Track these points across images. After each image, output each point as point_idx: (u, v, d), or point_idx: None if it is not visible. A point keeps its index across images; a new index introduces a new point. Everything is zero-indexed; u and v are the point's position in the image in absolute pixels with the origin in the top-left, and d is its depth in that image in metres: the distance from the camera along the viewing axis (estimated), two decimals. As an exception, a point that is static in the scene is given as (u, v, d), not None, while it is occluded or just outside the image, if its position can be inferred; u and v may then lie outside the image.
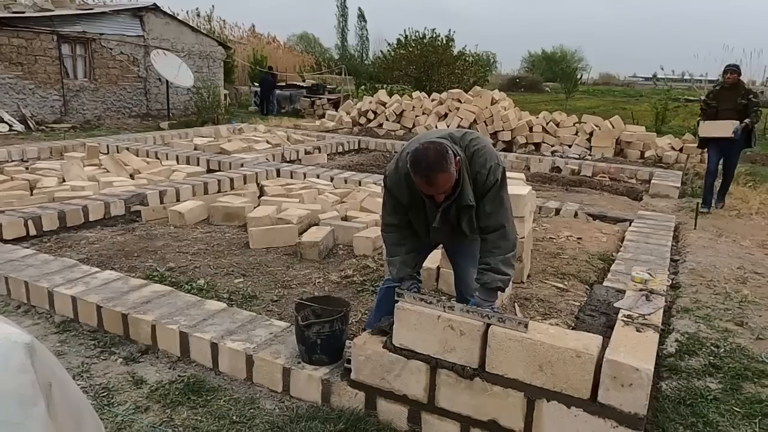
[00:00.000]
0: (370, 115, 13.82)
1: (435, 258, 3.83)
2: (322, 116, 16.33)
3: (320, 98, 19.24)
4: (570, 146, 11.47)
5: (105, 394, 2.67)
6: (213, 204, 5.82)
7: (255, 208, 5.80)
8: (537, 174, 9.30)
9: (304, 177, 7.37)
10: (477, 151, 2.43)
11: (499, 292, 2.57)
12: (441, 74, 22.48)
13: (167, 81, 14.96)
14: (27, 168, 7.41)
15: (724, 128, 6.50)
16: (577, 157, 10.69)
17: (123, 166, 7.50)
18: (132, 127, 13.80)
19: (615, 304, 2.67)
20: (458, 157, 2.34)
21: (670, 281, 4.24)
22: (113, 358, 2.99)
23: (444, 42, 23.41)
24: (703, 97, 7.33)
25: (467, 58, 24.34)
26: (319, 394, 2.63)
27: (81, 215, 5.31)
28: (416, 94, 14.86)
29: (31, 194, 6.12)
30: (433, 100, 13.66)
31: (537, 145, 11.77)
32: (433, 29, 23.51)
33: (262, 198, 6.32)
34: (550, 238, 5.23)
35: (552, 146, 11.64)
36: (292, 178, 7.44)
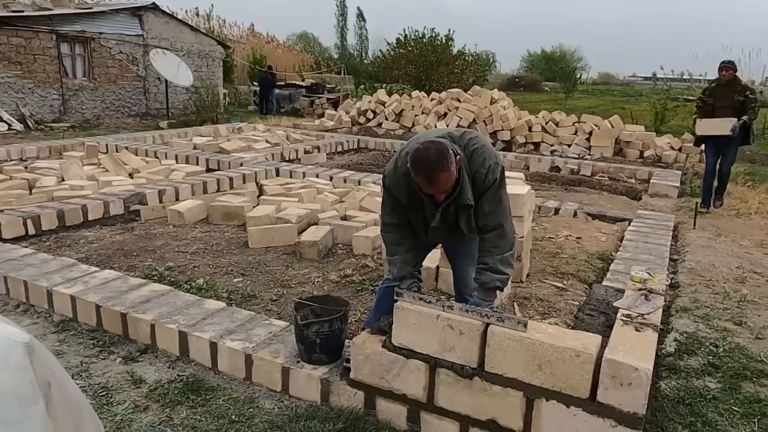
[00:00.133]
0: (370, 115, 13.81)
1: (434, 257, 3.83)
2: (322, 115, 16.33)
3: (319, 97, 19.24)
4: (569, 146, 11.47)
5: (104, 393, 2.67)
6: (212, 203, 5.82)
7: (254, 207, 5.80)
8: (536, 173, 9.30)
9: (304, 176, 7.37)
10: (476, 150, 2.43)
11: (498, 292, 2.57)
12: (440, 74, 22.49)
13: (166, 80, 14.95)
14: (26, 167, 7.40)
15: (721, 126, 6.40)
16: (577, 156, 10.69)
17: (122, 166, 7.49)
18: (131, 126, 13.78)
19: (614, 304, 2.67)
20: (458, 156, 2.34)
21: (669, 281, 4.25)
22: (112, 357, 2.99)
23: (443, 41, 23.42)
24: (699, 95, 7.21)
25: (466, 58, 24.36)
26: (319, 394, 2.63)
27: (80, 214, 5.31)
28: (415, 93, 14.86)
29: (30, 193, 6.12)
30: (432, 100, 13.66)
31: (536, 145, 11.77)
32: (433, 29, 23.58)
33: (262, 197, 6.32)
34: (550, 237, 5.24)
35: (551, 146, 11.64)
36: (291, 177, 7.44)
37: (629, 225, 5.64)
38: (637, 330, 2.34)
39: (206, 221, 5.70)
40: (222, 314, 3.15)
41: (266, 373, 2.74)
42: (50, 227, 5.06)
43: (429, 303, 2.38)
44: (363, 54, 39.20)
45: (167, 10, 16.59)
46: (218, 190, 6.56)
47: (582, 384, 2.12)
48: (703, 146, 7.03)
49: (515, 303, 3.72)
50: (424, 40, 23.42)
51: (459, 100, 12.85)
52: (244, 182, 6.90)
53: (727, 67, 6.41)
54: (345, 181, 7.22)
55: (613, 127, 11.51)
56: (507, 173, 2.61)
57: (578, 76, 36.08)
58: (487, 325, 2.26)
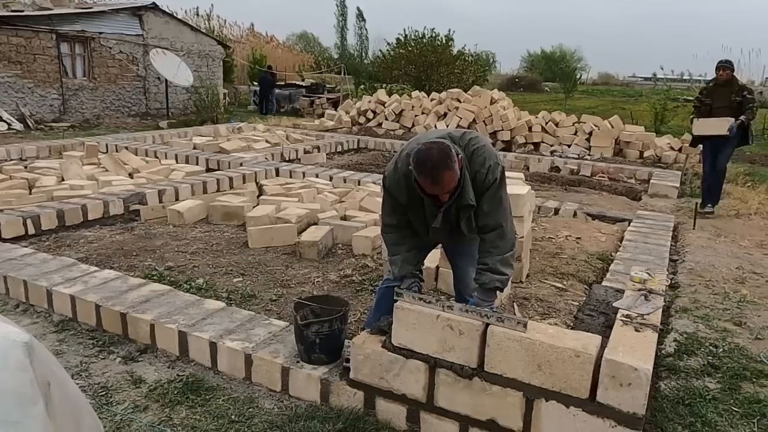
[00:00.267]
0: (370, 115, 13.81)
1: (434, 257, 3.83)
2: (322, 115, 16.33)
3: (319, 97, 19.25)
4: (569, 146, 11.47)
5: (104, 393, 2.67)
6: (212, 203, 5.82)
7: (254, 207, 5.80)
8: (536, 174, 9.30)
9: (303, 176, 7.37)
10: (476, 151, 2.43)
11: (497, 292, 2.57)
12: (440, 74, 22.50)
13: (166, 80, 14.96)
14: (26, 167, 7.40)
15: (718, 126, 6.31)
16: (576, 156, 10.70)
17: (122, 165, 7.49)
18: (131, 126, 13.79)
19: (614, 304, 2.67)
20: (460, 156, 2.34)
21: (669, 281, 4.25)
22: (112, 357, 2.98)
23: (443, 41, 23.43)
24: (696, 95, 7.12)
25: (466, 58, 24.36)
26: (318, 394, 2.63)
27: (80, 214, 5.31)
28: (415, 93, 14.86)
29: (30, 193, 6.12)
30: (432, 100, 13.67)
31: (536, 145, 11.78)
32: (433, 29, 23.59)
33: (261, 197, 6.32)
34: (549, 237, 5.24)
35: (551, 146, 11.64)
36: (291, 177, 7.44)
37: (629, 225, 5.64)
38: (636, 330, 2.34)
39: (206, 221, 5.70)
40: (222, 314, 3.15)
41: (266, 373, 2.74)
42: (50, 227, 5.06)
43: (429, 303, 2.38)
44: (363, 54, 39.18)
45: (167, 10, 16.59)
46: (218, 190, 6.56)
47: (582, 384, 2.12)
48: (701, 146, 6.96)
49: (515, 303, 3.72)
50: (424, 40, 23.42)
51: (459, 100, 12.85)
52: (243, 182, 6.90)
53: (725, 66, 6.33)
54: (345, 181, 7.22)
55: (612, 127, 11.51)
56: (507, 173, 2.61)
57: (578, 76, 36.10)
58: (487, 325, 2.26)
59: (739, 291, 4.11)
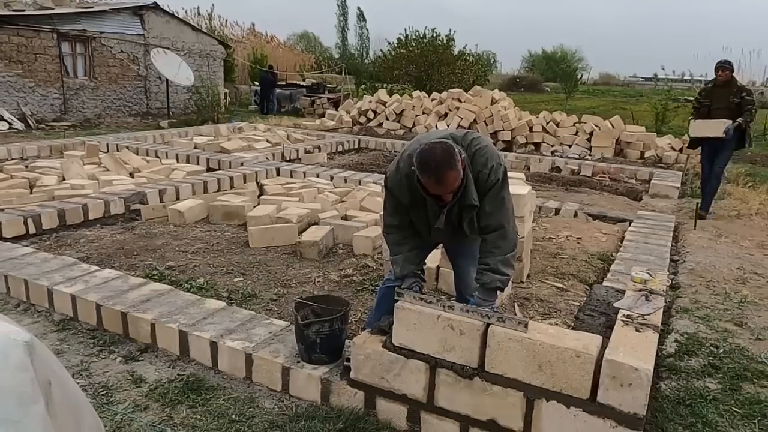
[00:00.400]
0: (370, 115, 13.81)
1: (435, 257, 3.82)
2: (322, 115, 16.33)
3: (320, 97, 19.26)
4: (570, 146, 11.47)
5: (104, 392, 2.67)
6: (213, 203, 5.82)
7: (255, 207, 5.80)
8: (537, 174, 9.30)
9: (304, 176, 7.37)
10: (478, 151, 2.43)
11: (498, 292, 2.57)
12: (441, 74, 22.48)
13: (167, 80, 14.96)
14: (27, 166, 7.40)
15: (715, 128, 6.19)
16: (577, 157, 10.70)
17: (123, 165, 7.49)
18: (132, 125, 13.79)
19: (614, 304, 2.67)
20: (463, 156, 2.34)
21: (670, 281, 4.24)
22: (112, 356, 2.99)
23: (444, 41, 23.41)
24: (695, 96, 6.99)
25: (467, 58, 24.36)
26: (319, 394, 2.63)
27: (81, 214, 5.31)
28: (416, 93, 14.85)
29: (31, 192, 6.12)
30: (433, 100, 13.66)
31: (537, 145, 11.77)
32: (434, 29, 23.57)
33: (262, 197, 6.32)
34: (550, 237, 5.23)
35: (552, 146, 11.64)
36: (291, 177, 7.44)
37: (630, 225, 5.64)
38: (637, 331, 2.33)
39: (207, 221, 5.70)
40: (222, 314, 3.15)
41: (266, 372, 2.74)
42: (51, 226, 5.06)
43: (429, 303, 2.38)
44: (364, 54, 39.21)
45: (168, 10, 16.59)
46: (219, 190, 6.56)
47: (582, 384, 2.12)
48: (699, 148, 6.88)
49: (516, 303, 3.72)
50: (425, 40, 23.41)
51: (460, 101, 12.85)
52: (244, 182, 6.90)
53: (724, 67, 6.23)
54: (345, 180, 7.22)
55: (613, 127, 11.50)
56: (507, 173, 2.61)
57: (579, 76, 36.11)
58: (488, 325, 2.26)
59: (739, 291, 4.10)
